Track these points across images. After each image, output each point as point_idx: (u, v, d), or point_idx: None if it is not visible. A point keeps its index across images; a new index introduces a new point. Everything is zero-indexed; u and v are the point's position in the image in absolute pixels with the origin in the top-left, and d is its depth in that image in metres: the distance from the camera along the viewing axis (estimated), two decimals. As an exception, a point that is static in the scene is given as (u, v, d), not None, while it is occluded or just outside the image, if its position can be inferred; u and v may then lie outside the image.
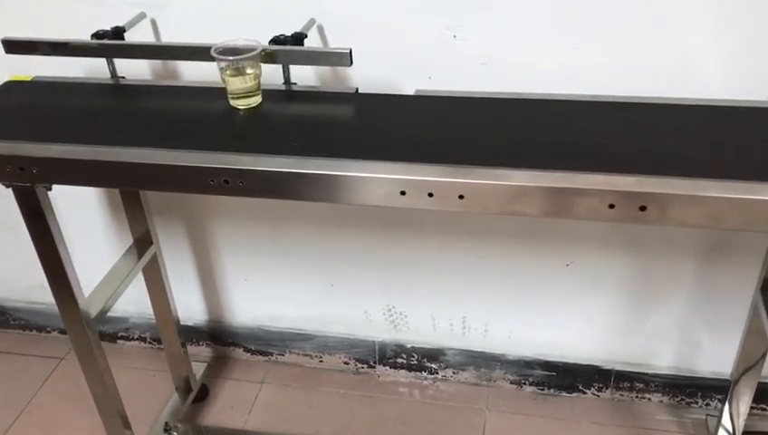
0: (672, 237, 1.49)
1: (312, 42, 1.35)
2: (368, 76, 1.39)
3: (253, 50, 1.17)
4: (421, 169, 1.01)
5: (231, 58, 1.17)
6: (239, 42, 1.19)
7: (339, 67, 1.39)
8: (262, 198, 1.10)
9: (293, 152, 1.06)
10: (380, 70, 1.38)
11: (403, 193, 1.02)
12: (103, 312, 1.40)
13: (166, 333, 1.75)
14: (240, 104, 1.21)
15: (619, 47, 1.28)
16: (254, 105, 1.21)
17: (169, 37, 1.45)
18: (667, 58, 1.28)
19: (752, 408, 1.55)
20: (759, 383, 1.47)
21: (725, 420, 1.55)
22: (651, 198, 0.94)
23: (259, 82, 1.21)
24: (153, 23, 1.44)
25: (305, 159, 1.05)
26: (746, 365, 1.46)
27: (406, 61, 1.38)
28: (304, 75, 1.40)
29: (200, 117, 1.21)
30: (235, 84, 1.19)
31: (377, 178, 1.02)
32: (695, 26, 1.24)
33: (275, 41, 1.26)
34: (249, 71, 1.18)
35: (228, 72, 1.18)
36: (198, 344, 1.97)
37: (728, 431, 1.55)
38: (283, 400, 1.84)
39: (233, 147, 1.09)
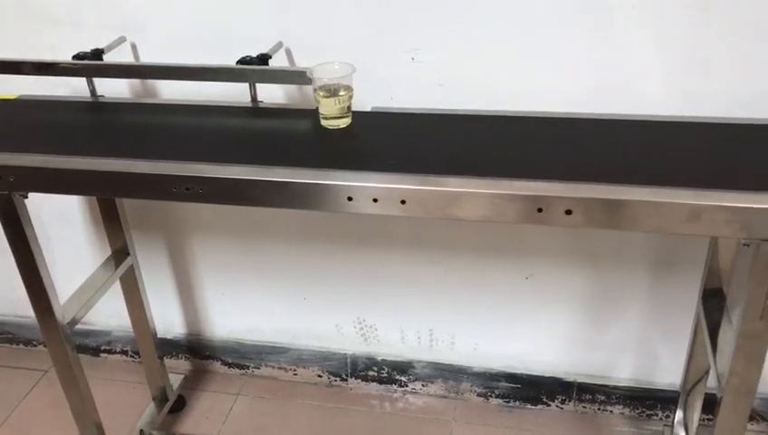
0: (624, 250, 1.56)
1: (280, 63, 1.44)
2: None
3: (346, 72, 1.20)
4: (366, 177, 1.09)
5: (326, 79, 1.20)
6: (335, 64, 1.23)
7: (304, 87, 1.48)
8: (222, 203, 1.18)
9: (251, 161, 1.15)
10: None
11: (350, 199, 1.09)
12: (78, 318, 1.47)
13: (144, 345, 1.81)
14: (329, 125, 1.24)
15: (567, 68, 1.37)
16: (344, 126, 1.25)
17: (148, 59, 1.54)
18: (613, 77, 1.36)
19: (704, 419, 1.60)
20: (706, 394, 1.52)
21: (679, 431, 1.60)
22: (575, 202, 1.01)
23: (349, 106, 1.24)
24: (133, 46, 1.53)
25: (261, 167, 1.13)
26: (695, 376, 1.51)
27: (368, 82, 1.45)
28: (273, 94, 1.49)
29: (170, 130, 1.30)
30: (328, 106, 1.22)
31: (325, 185, 1.09)
32: (639, 47, 1.32)
33: (242, 61, 1.35)
34: (342, 93, 1.22)
35: (321, 93, 1.22)
36: (177, 357, 2.03)
37: (683, 441, 1.60)
38: (257, 411, 1.89)
39: (197, 157, 1.17)
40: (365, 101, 1.46)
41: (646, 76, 1.35)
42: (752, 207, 0.97)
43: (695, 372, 1.52)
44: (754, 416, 1.71)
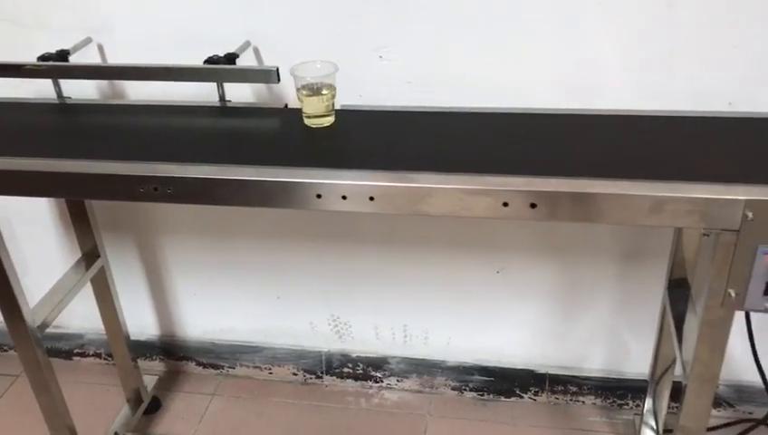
0: (592, 243, 1.58)
1: (248, 63, 1.44)
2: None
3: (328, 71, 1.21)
4: (335, 174, 1.10)
5: (309, 78, 1.21)
6: (318, 63, 1.23)
7: (274, 86, 1.48)
8: (191, 203, 1.18)
9: (220, 161, 1.15)
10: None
11: (319, 196, 1.10)
12: (48, 322, 1.46)
13: (117, 347, 1.80)
14: (313, 123, 1.25)
15: (533, 64, 1.38)
16: (327, 125, 1.25)
17: (116, 60, 1.53)
18: (579, 73, 1.38)
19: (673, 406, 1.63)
20: (674, 382, 1.55)
21: (648, 419, 1.63)
22: (539, 196, 1.03)
23: (332, 104, 1.24)
24: (100, 47, 1.52)
25: (229, 166, 1.13)
26: (662, 365, 1.54)
27: (338, 80, 1.46)
28: (242, 94, 1.49)
29: (137, 131, 1.29)
30: (310, 104, 1.23)
31: (294, 183, 1.10)
32: (604, 43, 1.34)
33: (209, 60, 1.35)
34: (325, 91, 1.22)
35: (304, 92, 1.22)
36: (152, 359, 2.02)
37: (653, 429, 1.63)
38: (232, 411, 1.89)
39: (163, 156, 1.17)
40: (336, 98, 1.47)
41: (610, 71, 1.37)
42: (711, 198, 0.99)
43: (662, 362, 1.55)
44: (721, 402, 1.74)
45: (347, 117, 1.30)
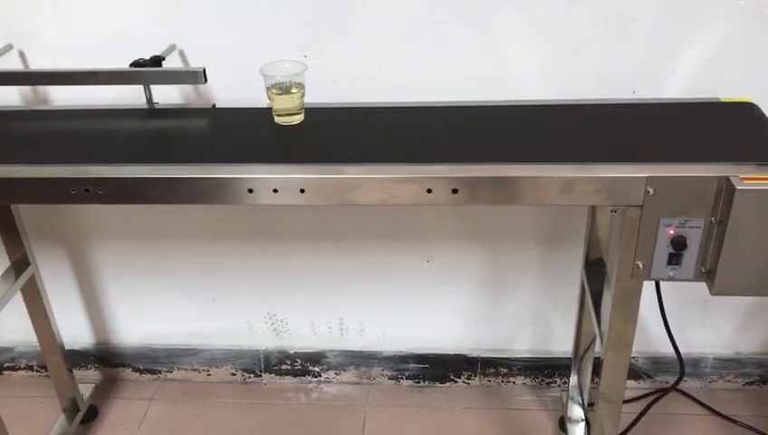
0: (514, 229, 1.67)
1: (174, 65, 1.46)
2: (230, 94, 1.51)
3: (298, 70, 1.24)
4: (266, 169, 1.14)
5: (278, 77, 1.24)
6: (286, 62, 1.26)
7: (201, 87, 1.51)
8: (123, 204, 1.20)
9: (150, 160, 1.17)
10: (242, 89, 1.50)
11: (251, 191, 1.14)
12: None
13: (51, 358, 1.78)
14: (284, 121, 1.28)
15: (451, 59, 1.45)
16: (297, 123, 1.28)
17: (39, 66, 1.53)
18: (493, 67, 1.45)
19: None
20: (596, 358, 1.64)
21: (574, 394, 1.72)
22: (460, 181, 1.09)
23: (302, 102, 1.28)
24: (21, 53, 1.51)
25: (160, 165, 1.15)
26: (585, 342, 1.63)
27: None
28: (170, 96, 1.51)
29: (64, 135, 1.30)
30: (281, 103, 1.26)
31: (226, 179, 1.13)
32: (516, 38, 1.42)
33: (135, 64, 1.36)
34: (294, 90, 1.26)
35: (274, 90, 1.25)
36: (87, 368, 2.00)
37: (579, 403, 1.72)
38: (171, 414, 1.90)
39: (92, 159, 1.18)
40: (259, 97, 1.50)
41: (523, 64, 1.45)
42: (616, 177, 1.08)
43: (584, 339, 1.64)
44: (641, 374, 1.86)
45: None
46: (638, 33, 1.40)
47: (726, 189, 1.05)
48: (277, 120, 1.29)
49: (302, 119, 1.29)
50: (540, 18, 1.40)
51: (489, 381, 1.91)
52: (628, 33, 1.40)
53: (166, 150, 1.22)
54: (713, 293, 1.13)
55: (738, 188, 1.03)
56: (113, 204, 1.18)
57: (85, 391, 1.91)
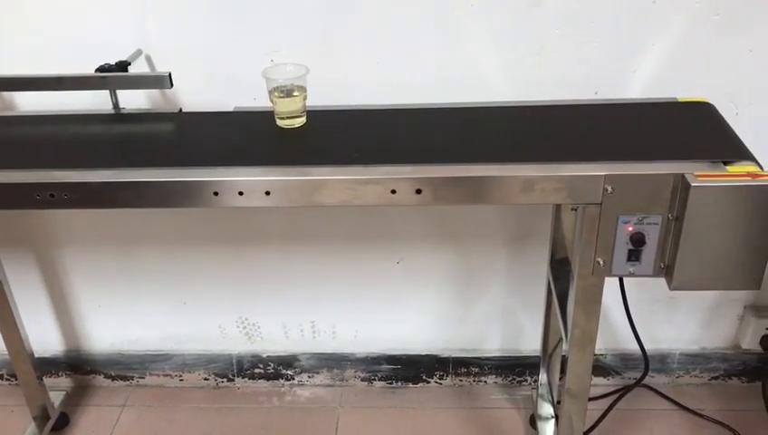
0: (482, 230, 1.69)
1: (141, 70, 1.46)
2: (196, 98, 1.51)
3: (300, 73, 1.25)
4: (232, 172, 1.15)
5: (281, 80, 1.25)
6: (288, 66, 1.27)
7: (168, 91, 1.51)
8: (90, 208, 1.20)
9: (115, 165, 1.17)
10: (208, 92, 1.51)
11: (216, 193, 1.14)
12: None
13: (20, 366, 1.77)
14: (286, 124, 1.28)
15: (417, 62, 1.47)
16: (299, 125, 1.29)
17: (3, 71, 1.52)
18: (458, 69, 1.47)
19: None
20: (564, 356, 1.66)
21: (544, 392, 1.74)
22: (423, 182, 1.11)
23: (304, 105, 1.29)
24: (-14, 60, 1.51)
25: (125, 169, 1.16)
26: (553, 340, 1.66)
27: (231, 83, 1.51)
28: (137, 101, 1.51)
29: (29, 141, 1.30)
30: (284, 106, 1.27)
31: (191, 182, 1.14)
32: (480, 41, 1.44)
33: (101, 69, 1.37)
34: (296, 93, 1.26)
35: (276, 93, 1.26)
36: (57, 375, 1.99)
37: (548, 401, 1.74)
38: (144, 420, 1.89)
39: (57, 164, 1.18)
40: (226, 102, 1.51)
41: (487, 67, 1.47)
42: (575, 175, 1.10)
43: (552, 337, 1.66)
44: (609, 371, 1.89)
45: (245, 118, 1.35)
46: (598, 35, 1.43)
47: (682, 186, 1.08)
48: (279, 123, 1.29)
49: (305, 121, 1.30)
50: (502, 21, 1.42)
51: (461, 380, 1.93)
52: (589, 35, 1.43)
53: (130, 155, 1.22)
54: (672, 288, 1.16)
55: (693, 184, 1.06)
56: (79, 208, 1.18)
57: (56, 398, 1.90)
